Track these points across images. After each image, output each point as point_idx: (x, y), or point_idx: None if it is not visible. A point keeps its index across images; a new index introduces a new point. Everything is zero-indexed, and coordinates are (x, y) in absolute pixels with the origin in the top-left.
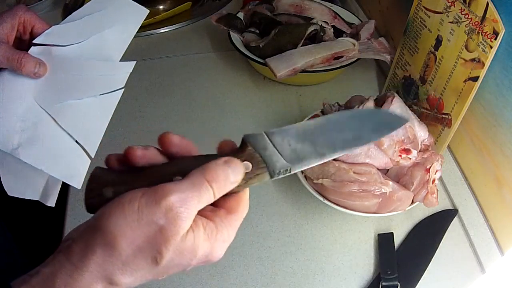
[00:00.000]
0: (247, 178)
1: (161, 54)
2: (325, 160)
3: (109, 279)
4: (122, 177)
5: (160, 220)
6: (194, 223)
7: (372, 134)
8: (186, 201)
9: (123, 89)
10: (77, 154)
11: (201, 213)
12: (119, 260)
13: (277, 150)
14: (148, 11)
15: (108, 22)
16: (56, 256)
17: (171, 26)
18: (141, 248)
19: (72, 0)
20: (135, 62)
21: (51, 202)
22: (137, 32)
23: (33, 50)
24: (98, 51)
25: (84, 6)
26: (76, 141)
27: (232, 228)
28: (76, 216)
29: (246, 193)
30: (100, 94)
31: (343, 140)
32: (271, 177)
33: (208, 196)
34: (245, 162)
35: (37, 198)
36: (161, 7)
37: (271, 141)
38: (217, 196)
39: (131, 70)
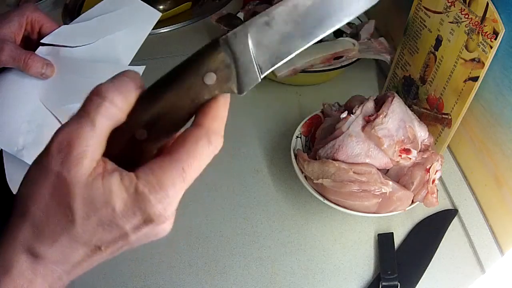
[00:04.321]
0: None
1: (161, 54)
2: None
3: (31, 250)
4: None
5: (55, 166)
6: (104, 168)
7: None
8: (73, 132)
9: None
10: None
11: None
12: (33, 225)
13: (253, 55)
14: (161, 14)
15: (119, 24)
16: None
17: (171, 26)
18: (49, 206)
19: (72, 0)
20: (144, 66)
21: None
22: None
23: (40, 50)
24: (107, 54)
25: (96, 6)
26: None
27: (165, 173)
28: None
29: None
30: None
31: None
32: (239, 92)
33: (108, 114)
34: (209, 72)
35: None
36: (161, 7)
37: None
38: (122, 107)
39: (140, 75)
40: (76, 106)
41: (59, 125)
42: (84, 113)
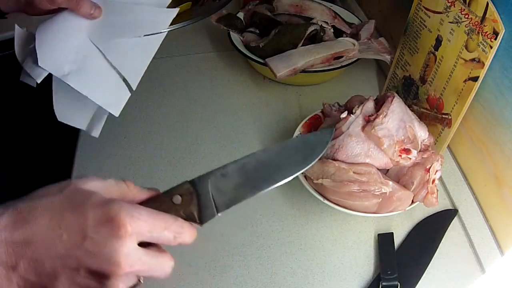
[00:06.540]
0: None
1: (161, 54)
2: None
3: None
4: None
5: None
6: None
7: (296, 167)
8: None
9: (166, 33)
10: (119, 86)
11: None
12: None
13: (212, 195)
14: None
15: None
16: None
17: (171, 26)
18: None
19: None
20: (177, 9)
21: (95, 133)
22: None
23: None
24: None
25: None
26: (120, 75)
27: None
28: None
29: None
30: (144, 35)
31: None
32: (200, 222)
33: None
34: (176, 195)
35: (83, 128)
36: None
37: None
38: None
39: (173, 16)
40: (119, 40)
41: (102, 58)
42: None
